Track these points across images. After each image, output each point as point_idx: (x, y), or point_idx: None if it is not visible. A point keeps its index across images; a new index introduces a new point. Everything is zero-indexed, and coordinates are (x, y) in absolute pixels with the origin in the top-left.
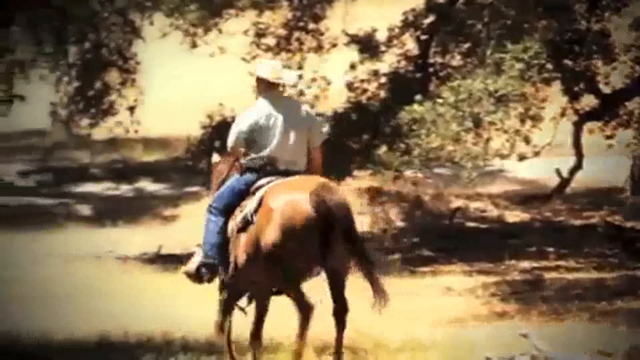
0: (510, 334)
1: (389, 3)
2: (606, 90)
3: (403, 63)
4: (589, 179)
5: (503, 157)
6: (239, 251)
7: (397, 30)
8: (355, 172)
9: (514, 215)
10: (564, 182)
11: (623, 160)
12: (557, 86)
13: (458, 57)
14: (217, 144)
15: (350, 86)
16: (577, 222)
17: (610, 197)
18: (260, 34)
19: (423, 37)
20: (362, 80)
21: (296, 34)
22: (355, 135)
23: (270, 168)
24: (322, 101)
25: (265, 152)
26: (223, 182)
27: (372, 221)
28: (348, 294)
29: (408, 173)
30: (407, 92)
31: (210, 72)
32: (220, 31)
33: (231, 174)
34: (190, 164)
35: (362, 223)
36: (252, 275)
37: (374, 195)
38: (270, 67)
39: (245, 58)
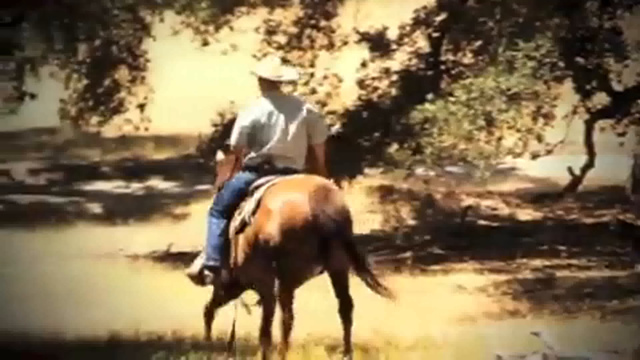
0: (522, 332)
1: (400, 0)
2: (618, 88)
3: (414, 61)
4: (601, 177)
5: (516, 155)
6: (239, 252)
7: (408, 28)
8: (367, 170)
9: (525, 214)
10: (576, 180)
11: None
12: (568, 84)
13: (470, 54)
14: (227, 141)
15: (361, 84)
16: (589, 221)
17: (622, 195)
18: (271, 32)
19: (434, 34)
20: (374, 78)
21: (307, 32)
22: (366, 133)
23: (268, 167)
24: (333, 99)
25: (264, 150)
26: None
27: (384, 219)
28: (359, 292)
29: (419, 171)
30: (418, 90)
31: (221, 70)
32: (231, 29)
33: (235, 175)
34: (201, 162)
35: (374, 221)
36: (251, 276)
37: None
38: (270, 66)
39: (256, 55)
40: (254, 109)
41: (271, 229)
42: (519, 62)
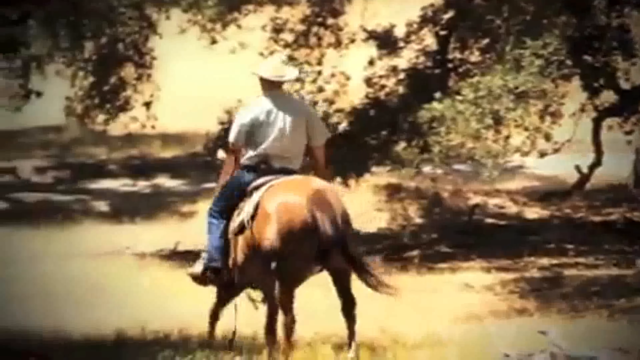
0: (529, 331)
1: None
2: (626, 86)
3: (422, 59)
4: (609, 176)
5: (523, 154)
6: (238, 252)
7: (415, 25)
8: (374, 169)
9: (533, 212)
10: (583, 178)
11: None
12: (576, 82)
13: (477, 53)
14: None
15: (368, 82)
16: (597, 219)
17: (629, 193)
18: (278, 30)
19: (442, 32)
20: (381, 76)
21: (315, 30)
22: (373, 132)
23: (264, 166)
24: (341, 97)
25: (261, 149)
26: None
27: (391, 218)
28: (365, 290)
29: (427, 169)
30: (425, 88)
31: (228, 68)
32: (238, 27)
33: (233, 175)
34: (208, 160)
35: (381, 220)
36: (251, 276)
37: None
38: (270, 65)
39: (263, 53)
40: (254, 107)
41: (270, 234)
42: (527, 60)
